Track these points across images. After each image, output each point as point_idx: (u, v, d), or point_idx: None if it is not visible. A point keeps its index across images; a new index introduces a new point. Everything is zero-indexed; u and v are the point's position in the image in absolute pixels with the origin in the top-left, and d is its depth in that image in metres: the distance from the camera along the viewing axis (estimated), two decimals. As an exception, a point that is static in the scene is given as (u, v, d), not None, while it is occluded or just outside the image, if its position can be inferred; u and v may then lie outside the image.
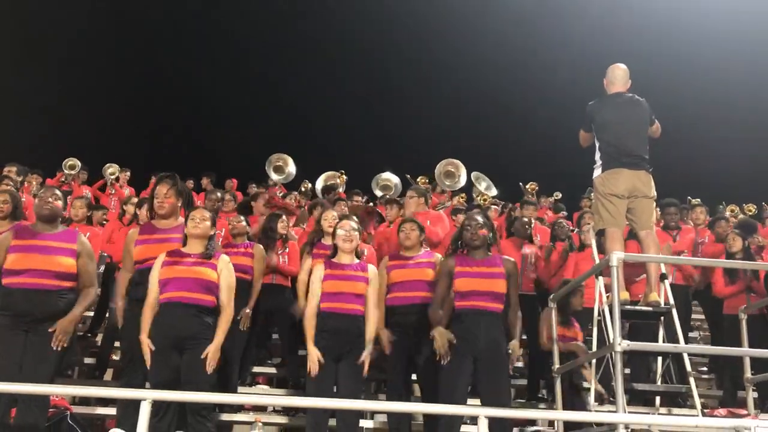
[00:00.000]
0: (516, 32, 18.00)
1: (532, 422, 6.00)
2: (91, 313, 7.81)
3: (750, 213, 10.86)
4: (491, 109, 17.68)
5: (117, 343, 6.59)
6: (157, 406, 4.22)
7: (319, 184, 10.61)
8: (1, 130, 14.37)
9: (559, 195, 12.21)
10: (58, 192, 4.63)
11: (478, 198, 10.51)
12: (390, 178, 10.79)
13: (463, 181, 10.36)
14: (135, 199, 7.33)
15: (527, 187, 11.36)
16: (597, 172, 5.41)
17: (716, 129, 16.59)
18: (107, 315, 6.95)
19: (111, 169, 11.20)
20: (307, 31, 18.55)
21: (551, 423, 6.03)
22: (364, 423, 5.30)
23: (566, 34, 18.01)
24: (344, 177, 10.89)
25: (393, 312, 5.19)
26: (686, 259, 7.02)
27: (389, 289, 5.25)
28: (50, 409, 4.83)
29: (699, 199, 10.02)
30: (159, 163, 11.54)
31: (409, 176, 11.00)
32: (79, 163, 10.78)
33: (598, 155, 5.43)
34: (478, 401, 4.63)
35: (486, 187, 11.03)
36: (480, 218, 4.88)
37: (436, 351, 4.58)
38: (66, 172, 10.62)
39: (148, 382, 4.44)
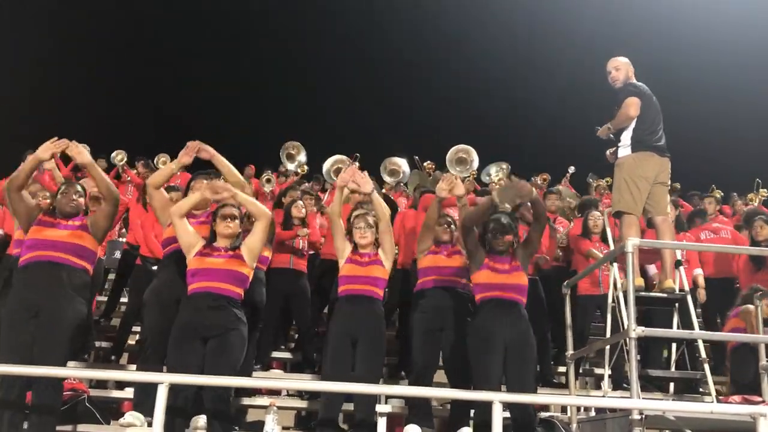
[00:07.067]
0: (527, 16, 17.92)
1: (544, 408, 6.03)
2: (105, 298, 7.91)
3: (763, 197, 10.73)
4: (505, 95, 17.61)
5: (134, 328, 6.68)
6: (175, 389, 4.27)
7: (325, 168, 10.36)
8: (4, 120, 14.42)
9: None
10: (80, 189, 4.72)
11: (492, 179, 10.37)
12: (399, 163, 10.60)
13: (474, 167, 10.25)
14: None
15: (537, 179, 11.24)
16: (625, 151, 5.38)
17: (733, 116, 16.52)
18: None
19: (120, 156, 11.14)
20: (321, 14, 18.49)
21: (564, 408, 6.06)
22: (380, 408, 5.31)
23: (576, 18, 17.91)
24: (356, 164, 10.60)
25: (421, 295, 5.19)
26: (703, 245, 6.98)
27: (420, 274, 5.26)
28: (67, 392, 4.91)
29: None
30: (166, 150, 11.54)
31: (417, 158, 10.88)
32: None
33: (628, 135, 5.38)
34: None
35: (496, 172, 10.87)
36: (505, 221, 4.75)
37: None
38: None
39: (167, 367, 4.46)
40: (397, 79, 18.31)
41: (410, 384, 5.11)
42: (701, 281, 6.93)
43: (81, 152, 4.65)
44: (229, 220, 4.59)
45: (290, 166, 10.55)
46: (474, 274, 4.76)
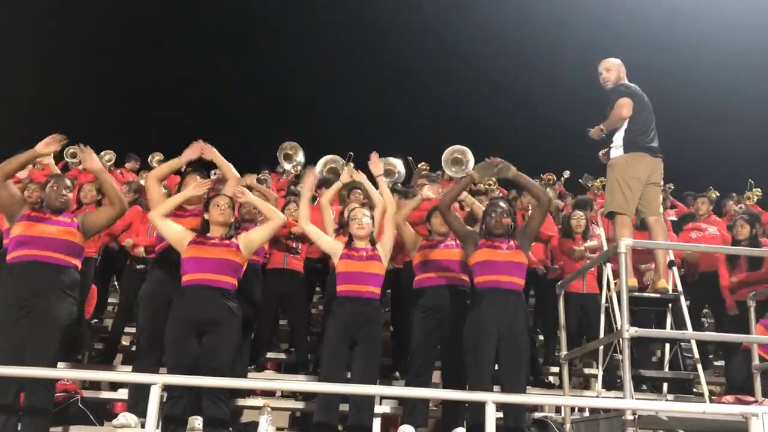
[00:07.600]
0: (527, 17, 17.92)
1: (536, 408, 6.02)
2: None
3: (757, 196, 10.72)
4: (504, 95, 17.61)
5: (127, 329, 6.69)
6: (172, 391, 4.27)
7: (319, 168, 10.29)
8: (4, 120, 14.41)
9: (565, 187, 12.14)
10: (70, 184, 4.67)
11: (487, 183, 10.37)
12: (394, 163, 10.56)
13: (470, 168, 10.22)
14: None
15: (543, 177, 11.25)
16: (617, 152, 5.38)
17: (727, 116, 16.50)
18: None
19: (107, 156, 11.09)
20: (320, 15, 18.51)
21: (558, 409, 6.06)
22: (375, 408, 5.30)
23: (576, 19, 17.90)
24: (351, 165, 10.54)
25: (421, 293, 5.13)
26: (693, 245, 6.99)
27: (417, 270, 5.21)
28: (60, 393, 4.90)
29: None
30: (166, 151, 11.56)
31: (410, 158, 10.86)
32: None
33: (620, 136, 5.39)
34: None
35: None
36: (504, 205, 4.82)
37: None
38: (68, 160, 10.54)
39: (166, 366, 4.46)
40: (394, 78, 18.31)
41: (407, 384, 5.08)
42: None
43: (92, 158, 4.65)
44: (221, 207, 4.60)
45: (287, 166, 10.54)
46: (471, 255, 4.71)
